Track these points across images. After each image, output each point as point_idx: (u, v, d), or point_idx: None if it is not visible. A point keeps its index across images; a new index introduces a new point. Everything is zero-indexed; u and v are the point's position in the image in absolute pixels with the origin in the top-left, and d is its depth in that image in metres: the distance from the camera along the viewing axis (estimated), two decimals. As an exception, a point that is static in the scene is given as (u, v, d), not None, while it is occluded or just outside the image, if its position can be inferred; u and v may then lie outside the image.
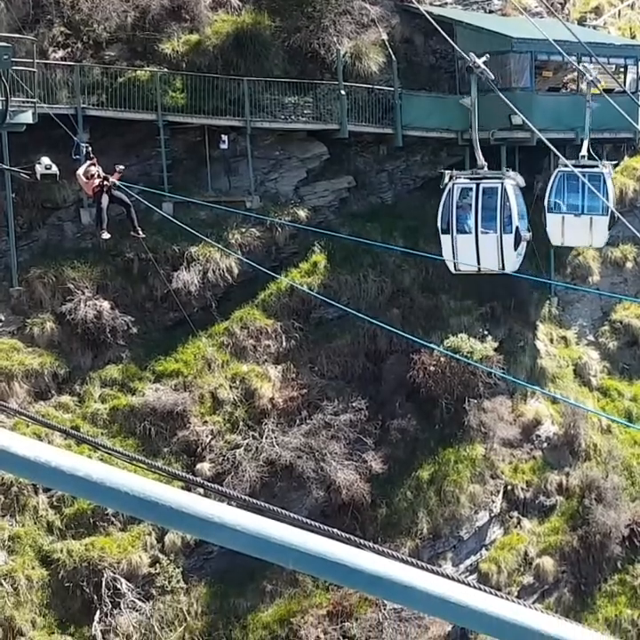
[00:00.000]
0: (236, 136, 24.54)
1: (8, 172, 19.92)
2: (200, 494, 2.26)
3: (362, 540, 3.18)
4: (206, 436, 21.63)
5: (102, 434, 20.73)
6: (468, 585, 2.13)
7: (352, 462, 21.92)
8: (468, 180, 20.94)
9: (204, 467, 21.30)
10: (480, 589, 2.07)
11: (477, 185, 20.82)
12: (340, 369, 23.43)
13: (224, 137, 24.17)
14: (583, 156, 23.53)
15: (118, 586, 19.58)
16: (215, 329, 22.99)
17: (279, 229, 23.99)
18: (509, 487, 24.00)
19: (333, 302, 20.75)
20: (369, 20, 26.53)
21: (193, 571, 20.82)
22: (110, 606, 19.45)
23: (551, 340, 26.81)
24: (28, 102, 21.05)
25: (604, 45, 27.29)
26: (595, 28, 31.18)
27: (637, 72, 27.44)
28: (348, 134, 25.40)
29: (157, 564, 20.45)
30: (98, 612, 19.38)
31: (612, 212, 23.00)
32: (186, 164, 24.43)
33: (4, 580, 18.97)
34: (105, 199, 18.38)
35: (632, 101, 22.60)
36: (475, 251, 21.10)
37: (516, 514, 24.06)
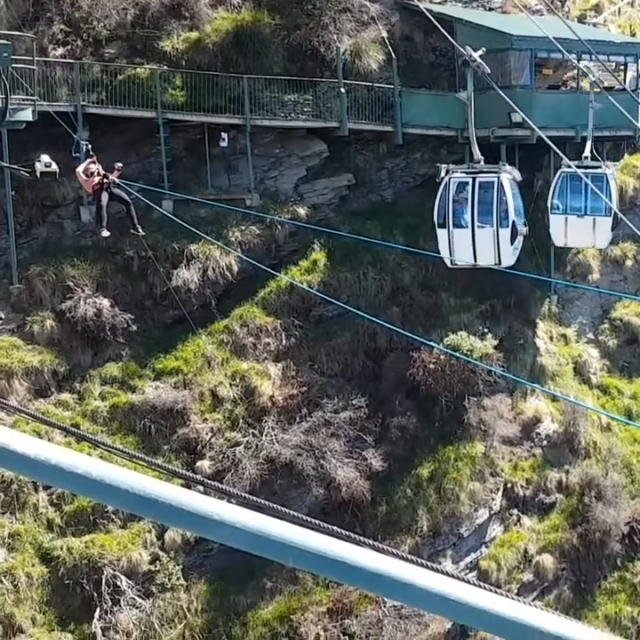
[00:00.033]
0: (235, 134, 24.53)
1: (8, 169, 19.91)
2: (200, 492, 2.26)
3: (362, 538, 3.18)
4: (206, 434, 21.64)
5: (102, 431, 20.73)
6: (468, 582, 2.13)
7: (352, 460, 21.93)
8: (464, 175, 20.88)
9: (204, 464, 21.31)
10: (480, 587, 2.07)
11: (474, 179, 20.77)
12: (340, 367, 23.43)
13: (224, 135, 24.16)
14: (586, 157, 23.49)
15: (118, 583, 19.59)
16: (215, 327, 22.99)
17: (279, 227, 23.98)
18: (509, 485, 24.01)
19: (333, 300, 20.74)
20: (369, 17, 26.51)
21: (193, 568, 20.83)
22: (110, 603, 19.46)
23: (551, 338, 26.81)
24: (27, 100, 21.04)
25: (604, 43, 27.25)
26: (595, 25, 31.15)
27: (637, 70, 27.42)
28: (347, 132, 25.38)
29: (157, 562, 20.47)
30: (98, 610, 19.39)
31: (615, 213, 22.99)
32: (186, 162, 24.41)
33: (4, 577, 18.98)
34: (105, 197, 18.37)
35: (632, 99, 22.56)
36: (471, 245, 21.04)
37: (515, 511, 24.07)
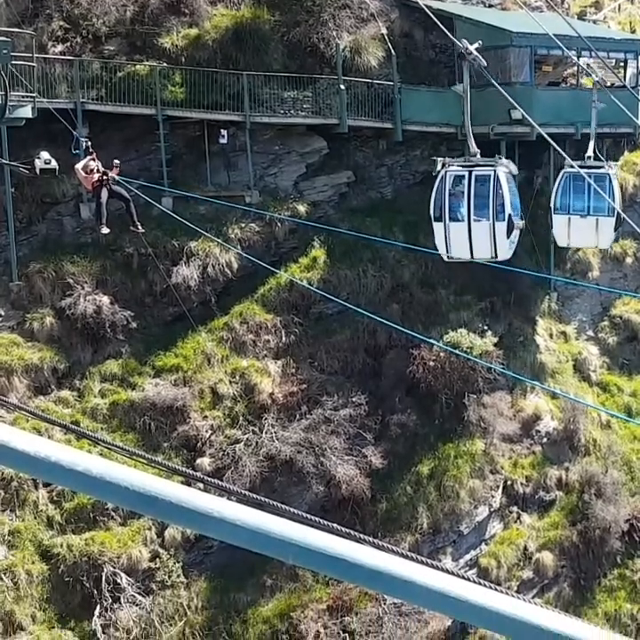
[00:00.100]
0: (235, 131, 24.52)
1: (7, 166, 19.90)
2: (200, 489, 2.26)
3: (362, 535, 3.18)
4: (206, 431, 21.64)
5: (102, 429, 20.74)
6: (468, 580, 2.13)
7: (352, 457, 21.94)
8: (460, 168, 20.83)
9: (204, 462, 21.32)
10: (480, 584, 2.07)
11: (470, 172, 20.72)
12: (340, 364, 23.44)
13: (223, 131, 24.15)
14: (589, 157, 23.47)
15: (118, 580, 19.61)
16: (215, 324, 22.99)
17: (279, 224, 23.97)
18: (509, 482, 24.02)
19: (333, 297, 20.73)
20: (368, 14, 26.49)
21: (193, 565, 20.84)
22: (110, 601, 19.48)
23: (551, 336, 26.81)
24: (27, 97, 21.02)
25: (604, 40, 27.25)
26: (595, 22, 31.14)
27: (637, 66, 27.40)
28: (347, 129, 25.37)
29: (157, 559, 20.48)
30: (98, 607, 19.41)
31: (618, 213, 22.98)
32: (185, 159, 24.40)
33: (4, 574, 18.99)
34: (104, 194, 18.36)
35: (632, 96, 22.55)
36: (467, 239, 21.00)
37: (515, 509, 24.09)
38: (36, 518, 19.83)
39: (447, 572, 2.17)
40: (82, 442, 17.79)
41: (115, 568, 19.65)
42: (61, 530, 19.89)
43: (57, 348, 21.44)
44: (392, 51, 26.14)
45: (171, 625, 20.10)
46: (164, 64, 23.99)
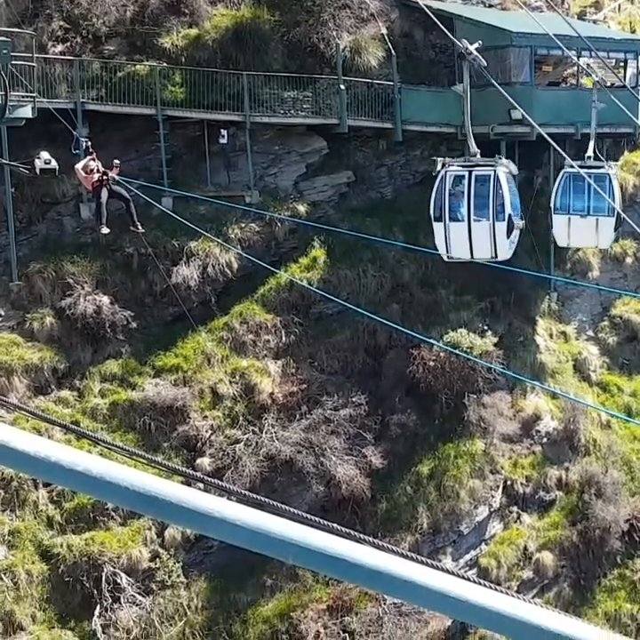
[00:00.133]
0: (235, 131, 24.52)
1: (7, 166, 19.90)
2: (200, 489, 2.26)
3: (362, 535, 3.18)
4: (206, 431, 21.64)
5: (102, 429, 20.74)
6: (468, 580, 2.13)
7: (352, 457, 21.94)
8: (460, 168, 20.82)
9: (204, 462, 21.32)
10: (480, 584, 2.07)
11: (470, 172, 20.72)
12: (340, 364, 23.43)
13: (223, 131, 24.15)
14: (589, 157, 23.47)
15: (118, 580, 19.61)
16: (215, 324, 22.99)
17: (279, 224, 23.97)
18: (509, 482, 24.02)
19: (333, 297, 20.73)
20: (368, 14, 26.49)
21: (193, 565, 20.84)
22: (110, 601, 19.48)
23: (551, 336, 26.81)
24: (27, 97, 21.02)
25: (604, 40, 27.25)
26: (595, 22, 31.15)
27: (637, 66, 27.40)
28: (347, 129, 25.37)
29: (157, 559, 20.48)
30: (98, 607, 19.41)
31: (618, 213, 22.98)
32: (185, 159, 24.40)
33: (4, 574, 18.99)
34: (104, 194, 18.36)
35: (632, 96, 22.55)
36: (467, 239, 21.00)
37: (515, 509, 24.09)
38: (36, 518, 19.83)
39: (447, 572, 2.18)
40: (82, 442, 17.79)
41: (115, 568, 19.65)
42: (61, 530, 19.89)
43: (57, 348, 21.44)
44: (392, 51, 26.14)
45: (171, 625, 20.10)
46: (164, 64, 23.99)
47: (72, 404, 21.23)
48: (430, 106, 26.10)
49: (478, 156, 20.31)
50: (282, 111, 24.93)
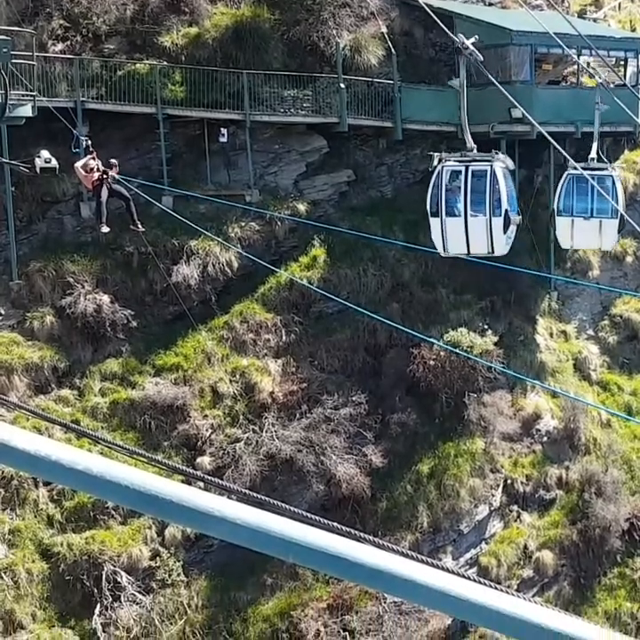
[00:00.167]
0: (235, 129, 24.51)
1: (7, 165, 19.89)
2: (200, 488, 2.26)
3: (362, 534, 3.18)
4: (206, 430, 21.65)
5: (102, 427, 20.74)
6: (468, 578, 2.13)
7: (352, 456, 21.94)
8: (457, 163, 20.81)
9: (205, 460, 21.32)
10: (480, 583, 2.07)
11: (467, 168, 20.70)
12: (340, 363, 23.43)
13: (223, 130, 24.14)
14: (593, 159, 23.46)
15: (119, 579, 19.61)
16: (215, 323, 22.99)
17: (279, 223, 23.97)
18: (509, 481, 24.03)
19: (333, 296, 20.73)
20: (368, 12, 26.48)
21: (193, 564, 20.85)
22: (110, 599, 19.48)
23: (551, 335, 26.81)
24: (27, 95, 21.01)
25: (605, 38, 27.26)
26: (595, 20, 31.13)
27: (637, 65, 27.39)
28: (347, 128, 25.36)
29: (158, 558, 20.48)
30: (98, 606, 19.41)
31: (621, 214, 22.98)
32: (185, 158, 24.40)
33: (5, 573, 19.00)
34: (104, 193, 18.36)
35: (632, 95, 22.54)
36: (464, 234, 20.99)
37: (515, 508, 24.10)
38: (36, 517, 19.83)
39: (447, 570, 2.18)
40: (82, 441, 17.80)
41: (115, 567, 19.65)
42: (62, 528, 19.89)
43: (57, 346, 21.44)
44: (392, 49, 26.13)
45: (171, 623, 20.11)
46: (164, 63, 23.99)
47: (72, 402, 21.24)
48: (430, 104, 26.09)
49: (475, 151, 20.30)
50: (282, 110, 24.93)
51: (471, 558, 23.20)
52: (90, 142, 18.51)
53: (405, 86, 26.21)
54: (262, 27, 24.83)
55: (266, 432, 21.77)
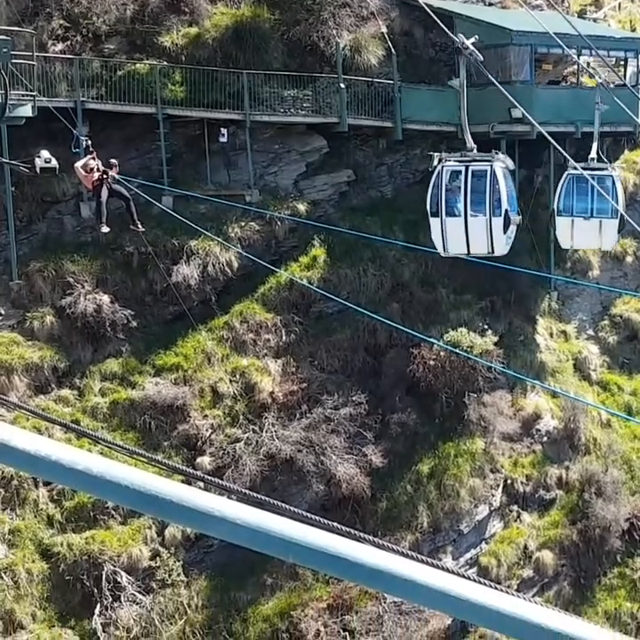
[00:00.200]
0: (235, 129, 24.51)
1: (7, 165, 19.89)
2: (200, 488, 2.26)
3: (362, 534, 3.18)
4: (206, 430, 21.65)
5: (102, 427, 20.74)
6: (468, 578, 2.13)
7: (352, 456, 21.94)
8: (457, 163, 20.82)
9: (205, 460, 21.32)
10: (480, 583, 2.07)
11: (467, 168, 20.71)
12: (340, 363, 23.44)
13: (223, 130, 24.14)
14: (593, 159, 23.46)
15: (119, 579, 19.61)
16: (215, 323, 22.99)
17: (279, 223, 23.97)
18: (509, 481, 24.03)
19: (333, 296, 20.73)
20: (368, 12, 26.48)
21: (193, 564, 20.85)
22: (111, 600, 19.48)
23: (551, 335, 26.81)
24: (27, 95, 21.00)
25: (605, 38, 27.26)
26: (595, 20, 31.14)
27: (637, 65, 27.39)
28: (347, 128, 25.37)
29: (158, 558, 20.48)
30: (98, 606, 19.41)
31: (621, 214, 22.98)
32: (185, 158, 24.40)
33: (5, 573, 19.00)
34: (104, 193, 18.36)
35: (632, 95, 22.54)
36: (464, 234, 20.99)
37: (515, 508, 24.10)
38: (36, 517, 19.83)
39: (447, 570, 2.18)
40: (82, 441, 17.80)
41: (115, 567, 19.65)
42: (62, 528, 19.89)
43: (57, 346, 21.44)
44: (392, 49, 26.13)
45: (171, 623, 20.11)
46: (164, 63, 23.99)
47: (72, 402, 21.24)
48: (430, 104, 26.09)
49: (475, 151, 20.31)
50: (282, 110, 24.93)
51: (471, 558, 23.20)
52: (90, 142, 18.51)
53: (405, 86, 26.21)
54: (262, 27, 24.83)
55: (266, 432, 21.77)
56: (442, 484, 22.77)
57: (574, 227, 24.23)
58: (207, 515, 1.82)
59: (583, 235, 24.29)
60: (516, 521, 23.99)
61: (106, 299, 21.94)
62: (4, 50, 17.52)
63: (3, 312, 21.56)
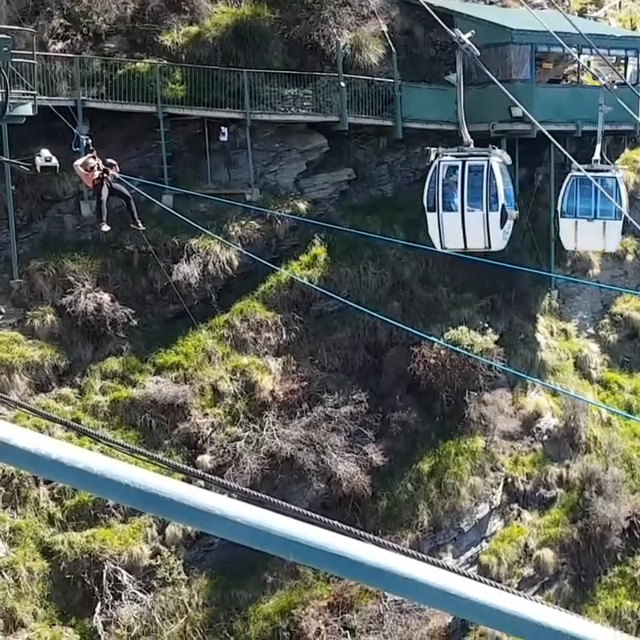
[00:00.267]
0: (235, 128, 24.51)
1: (8, 164, 19.89)
2: (201, 487, 2.26)
3: (362, 532, 3.18)
4: (207, 429, 21.65)
5: (103, 426, 20.75)
6: (469, 577, 2.13)
7: (352, 454, 21.94)
8: (454, 158, 20.82)
9: (205, 459, 21.33)
10: (480, 581, 2.07)
11: (463, 163, 20.71)
12: (341, 361, 23.44)
13: (224, 129, 24.14)
14: (596, 161, 23.45)
15: (119, 578, 19.62)
16: (215, 321, 23.00)
17: (279, 222, 23.97)
18: (510, 479, 24.03)
19: (333, 295, 20.73)
20: (369, 11, 26.47)
21: (194, 562, 20.86)
22: (111, 598, 19.49)
23: (551, 333, 26.81)
24: (27, 94, 20.99)
25: (605, 37, 27.24)
26: (595, 19, 31.11)
27: (638, 64, 27.37)
28: (347, 126, 25.36)
29: (158, 556, 20.50)
30: (99, 604, 19.42)
31: (625, 216, 22.98)
32: (186, 157, 24.40)
33: (6, 571, 19.01)
34: (105, 191, 18.34)
35: (632, 93, 22.53)
36: (461, 229, 21.00)
37: (516, 506, 24.10)
38: (36, 515, 19.84)
39: (448, 569, 2.18)
40: (83, 439, 17.80)
41: (116, 565, 19.66)
42: (62, 527, 19.90)
43: (58, 345, 21.45)
44: (392, 48, 26.12)
45: (172, 622, 20.12)
46: (165, 62, 23.98)
47: (73, 401, 21.24)
48: (431, 103, 26.08)
49: (472, 146, 20.30)
50: (282, 109, 24.92)
51: (472, 557, 23.20)
52: (90, 141, 18.49)
53: (406, 85, 26.20)
54: (263, 25, 24.82)
55: (266, 430, 21.77)
56: (442, 482, 22.77)
57: (578, 228, 24.23)
58: (208, 513, 1.82)
59: (587, 236, 24.29)
60: (516, 519, 23.99)
61: (106, 297, 21.94)
62: (5, 49, 17.50)
63: (3, 311, 21.57)
